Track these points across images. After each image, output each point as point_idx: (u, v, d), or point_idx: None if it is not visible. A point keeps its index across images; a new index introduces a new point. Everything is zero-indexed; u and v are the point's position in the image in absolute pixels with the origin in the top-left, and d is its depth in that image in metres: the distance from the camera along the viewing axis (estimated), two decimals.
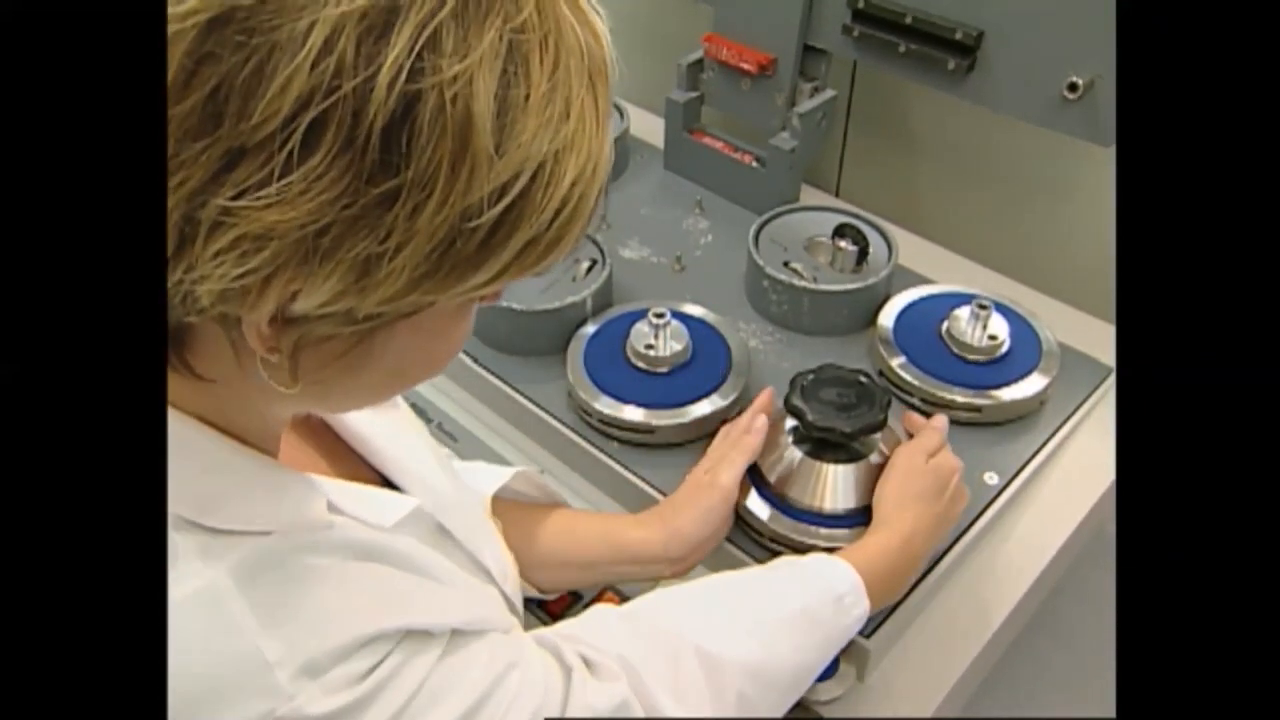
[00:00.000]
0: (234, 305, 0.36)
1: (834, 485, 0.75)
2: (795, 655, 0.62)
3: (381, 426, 0.61)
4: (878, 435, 0.76)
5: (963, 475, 0.75)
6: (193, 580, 0.41)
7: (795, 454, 0.76)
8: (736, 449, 0.76)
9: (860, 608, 0.65)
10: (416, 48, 0.33)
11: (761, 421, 0.78)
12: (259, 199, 0.33)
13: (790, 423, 0.77)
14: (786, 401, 0.75)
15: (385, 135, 0.33)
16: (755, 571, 0.67)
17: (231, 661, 0.41)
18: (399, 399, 0.64)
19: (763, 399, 0.82)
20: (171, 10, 0.32)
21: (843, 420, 0.73)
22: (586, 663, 0.55)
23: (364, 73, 0.33)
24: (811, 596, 0.64)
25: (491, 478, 0.74)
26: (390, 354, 0.42)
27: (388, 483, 0.59)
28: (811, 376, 0.77)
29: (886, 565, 0.67)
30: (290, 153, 0.33)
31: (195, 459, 0.44)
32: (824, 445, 0.76)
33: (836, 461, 0.75)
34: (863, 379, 0.77)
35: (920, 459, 0.74)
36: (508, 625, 0.55)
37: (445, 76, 0.34)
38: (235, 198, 0.33)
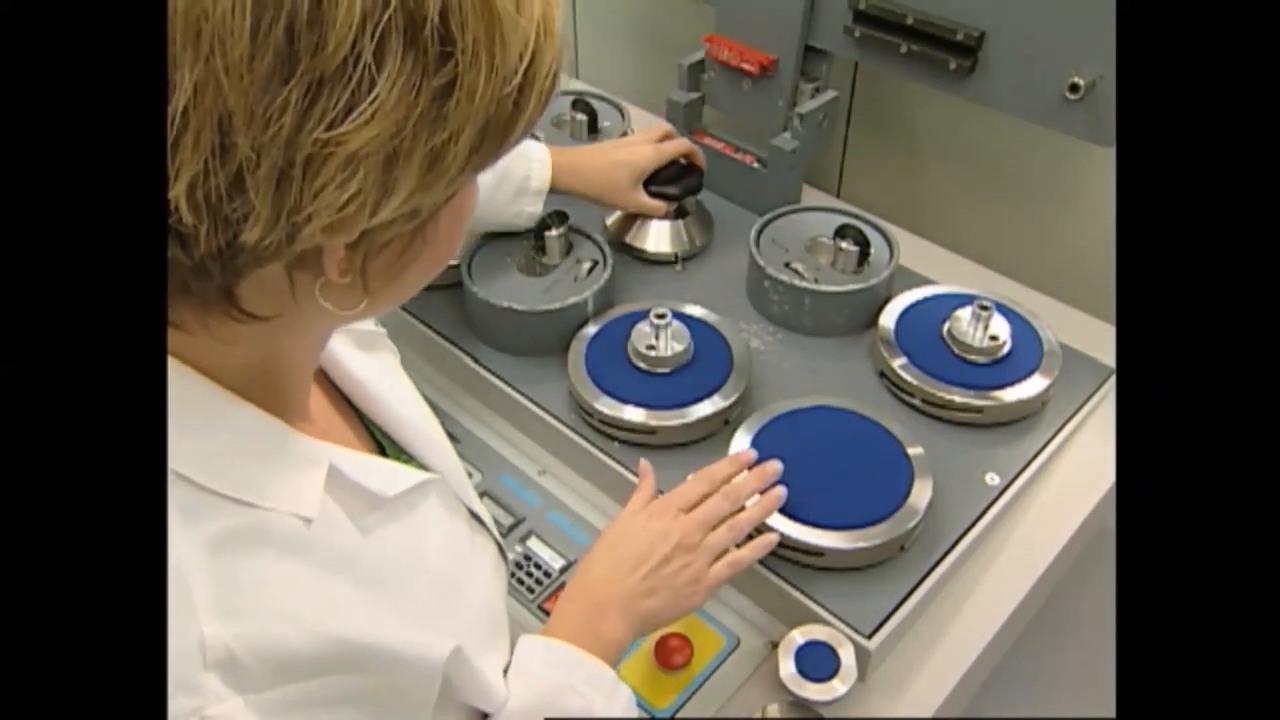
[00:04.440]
0: (331, 236, 0.39)
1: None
2: None
3: (383, 379, 0.62)
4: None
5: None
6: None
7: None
8: None
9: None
10: None
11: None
12: (352, 122, 0.35)
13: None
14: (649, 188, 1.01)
15: (439, 27, 0.36)
16: None
17: (174, 647, 0.39)
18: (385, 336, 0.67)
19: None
20: None
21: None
22: None
23: None
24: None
25: None
26: (435, 241, 0.45)
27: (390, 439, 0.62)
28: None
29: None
30: (366, 68, 0.35)
31: (202, 415, 0.44)
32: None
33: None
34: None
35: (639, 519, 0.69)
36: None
37: None
38: (329, 127, 0.35)
